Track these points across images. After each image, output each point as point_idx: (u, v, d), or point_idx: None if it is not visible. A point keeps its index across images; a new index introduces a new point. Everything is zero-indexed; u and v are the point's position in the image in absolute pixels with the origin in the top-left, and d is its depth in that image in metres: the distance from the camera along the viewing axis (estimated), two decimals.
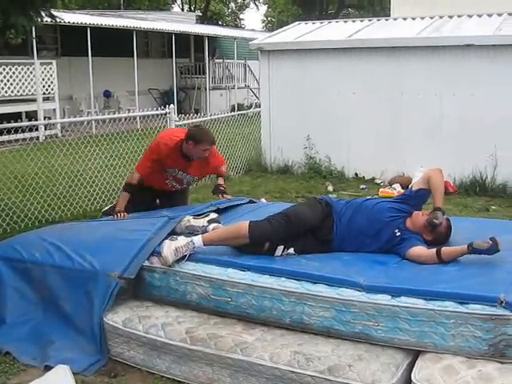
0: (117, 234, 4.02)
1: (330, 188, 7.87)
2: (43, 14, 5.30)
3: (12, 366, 3.36)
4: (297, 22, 10.20)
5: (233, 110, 18.10)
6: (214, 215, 4.05)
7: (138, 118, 12.96)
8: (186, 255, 3.56)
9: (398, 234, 3.69)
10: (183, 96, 20.35)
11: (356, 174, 8.53)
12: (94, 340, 3.46)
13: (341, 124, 8.40)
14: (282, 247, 3.59)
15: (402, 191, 7.57)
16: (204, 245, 3.62)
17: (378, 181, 8.25)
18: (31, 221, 6.04)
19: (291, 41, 8.64)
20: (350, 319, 3.01)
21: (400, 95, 8.02)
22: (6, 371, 3.32)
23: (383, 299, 2.96)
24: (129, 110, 16.33)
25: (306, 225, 3.71)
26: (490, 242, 3.25)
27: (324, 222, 3.76)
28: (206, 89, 19.56)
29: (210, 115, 10.49)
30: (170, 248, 3.55)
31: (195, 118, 8.73)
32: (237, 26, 39.88)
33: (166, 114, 7.29)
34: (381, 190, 7.69)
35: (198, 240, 3.63)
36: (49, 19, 5.52)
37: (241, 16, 45.85)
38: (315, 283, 3.15)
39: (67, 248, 3.85)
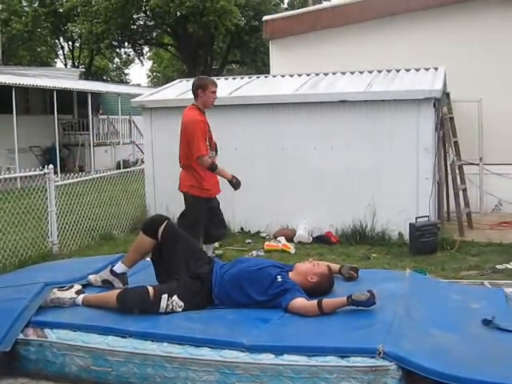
0: None
1: (216, 244, 7.84)
2: None
3: None
4: (178, 80, 10.30)
5: (118, 166, 17.87)
6: (78, 286, 3.93)
7: (18, 177, 12.44)
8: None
9: (280, 279, 3.75)
10: (67, 153, 19.84)
11: (242, 229, 8.58)
12: None
13: (223, 180, 8.44)
14: (166, 295, 3.60)
15: (287, 244, 7.74)
16: (82, 304, 3.75)
17: (263, 234, 8.34)
18: None
19: (173, 98, 8.68)
20: (235, 381, 2.97)
21: (281, 150, 8.22)
22: None
23: (267, 358, 2.95)
24: (8, 169, 15.71)
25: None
26: (368, 295, 3.36)
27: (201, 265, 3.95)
28: (90, 145, 19.18)
29: (96, 173, 10.26)
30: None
31: (78, 176, 8.48)
32: (122, 81, 39.79)
33: (44, 175, 7.04)
34: (266, 243, 7.77)
35: (79, 299, 3.77)
36: None
37: (126, 71, 45.82)
38: (199, 347, 3.09)
39: None
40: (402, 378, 2.80)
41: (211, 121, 8.30)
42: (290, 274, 3.95)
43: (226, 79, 10.04)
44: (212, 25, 23.40)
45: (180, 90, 9.15)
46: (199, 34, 24.78)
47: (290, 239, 7.98)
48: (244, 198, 8.33)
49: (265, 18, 11.04)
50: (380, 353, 2.81)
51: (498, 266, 6.53)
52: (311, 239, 8.08)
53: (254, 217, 8.40)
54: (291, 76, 9.37)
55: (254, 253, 7.28)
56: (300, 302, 3.59)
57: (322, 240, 8.01)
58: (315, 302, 3.50)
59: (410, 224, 7.38)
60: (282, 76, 9.52)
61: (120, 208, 8.92)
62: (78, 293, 3.86)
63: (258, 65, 28.95)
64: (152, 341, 3.18)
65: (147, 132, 8.96)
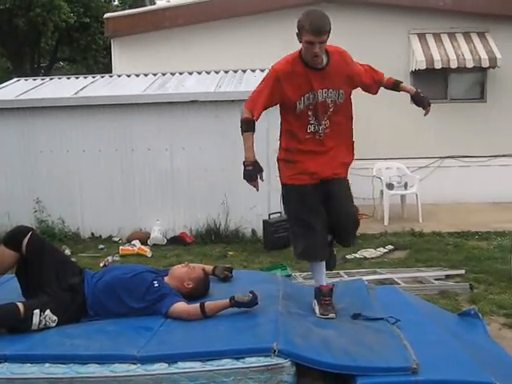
0: None
1: (67, 251, 7.49)
2: None
3: None
4: (15, 79, 9.67)
5: None
6: None
7: None
8: None
9: (157, 284, 3.67)
10: None
11: (92, 234, 8.28)
12: None
13: (72, 183, 8.12)
14: (37, 311, 3.34)
15: (143, 247, 7.59)
16: None
17: (115, 239, 8.12)
18: None
19: (12, 99, 8.13)
20: None
21: (131, 151, 8.05)
22: None
23: (160, 368, 2.86)
24: None
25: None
26: (250, 296, 3.39)
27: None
28: None
29: None
30: None
31: None
32: None
33: None
34: (121, 247, 7.58)
35: None
36: None
37: None
38: (85, 364, 2.92)
39: None
40: (295, 374, 2.86)
41: (53, 124, 7.96)
42: (166, 278, 3.88)
43: (68, 78, 9.60)
44: (40, 20, 22.17)
45: (19, 89, 8.62)
46: (25, 30, 23.37)
47: (144, 242, 7.85)
48: (93, 201, 8.09)
49: (106, 15, 10.72)
50: (275, 351, 2.85)
51: (347, 256, 6.94)
52: (166, 241, 8.02)
53: (105, 221, 8.17)
54: (137, 76, 9.22)
55: (110, 258, 7.06)
56: (181, 306, 3.53)
57: (177, 241, 8.00)
58: (197, 305, 3.46)
59: (264, 221, 7.59)
60: (128, 76, 9.33)
61: None
62: None
63: (90, 63, 27.97)
64: (31, 363, 2.94)
65: None
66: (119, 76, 9.46)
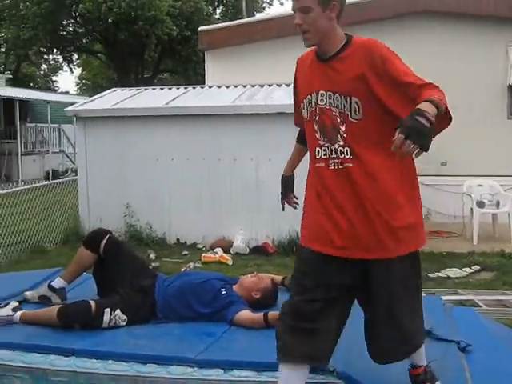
0: None
1: (152, 256, 7.75)
2: None
3: None
4: (113, 89, 10.14)
5: (47, 175, 17.39)
6: (14, 303, 3.78)
7: None
8: None
9: (224, 292, 3.74)
10: None
11: (178, 240, 8.51)
12: None
13: (161, 190, 8.39)
14: (108, 309, 3.52)
15: (225, 255, 7.72)
16: (20, 321, 3.56)
17: (199, 246, 8.29)
18: None
19: (108, 108, 8.53)
20: None
21: (217, 161, 8.22)
22: None
23: (216, 374, 2.92)
24: None
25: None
26: None
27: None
28: (17, 154, 18.56)
29: (24, 183, 9.93)
30: None
31: (5, 186, 8.20)
32: (50, 89, 38.75)
33: None
34: (203, 254, 7.73)
35: (16, 316, 3.59)
36: None
37: (54, 78, 44.67)
38: (145, 364, 3.02)
39: None
40: None
41: (144, 133, 8.28)
42: (235, 287, 3.94)
43: (161, 89, 9.95)
44: (143, 33, 23.17)
45: (115, 99, 9.01)
46: (130, 42, 24.47)
47: (226, 250, 7.97)
48: (180, 208, 8.30)
49: (200, 28, 11.04)
50: (331, 369, 2.82)
51: (429, 275, 6.74)
52: (248, 250, 8.09)
53: (191, 228, 8.35)
54: (227, 87, 9.40)
55: (192, 264, 7.22)
56: (246, 314, 3.58)
57: (258, 251, 8.05)
58: (261, 314, 3.51)
59: None
60: (218, 87, 9.54)
61: (51, 220, 8.66)
62: (15, 310, 3.71)
63: (190, 74, 28.90)
64: (96, 359, 3.09)
65: (80, 142, 8.77)
66: (210, 87, 9.71)
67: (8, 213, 8.07)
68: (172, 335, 3.43)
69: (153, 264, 7.20)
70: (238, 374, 2.90)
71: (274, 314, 3.51)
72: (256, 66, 10.24)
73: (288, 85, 9.23)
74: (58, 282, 3.99)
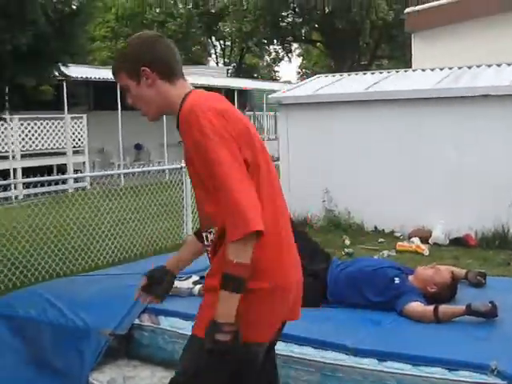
0: (112, 289, 3.99)
1: (347, 242, 7.72)
2: (55, 72, 5.41)
3: None
4: (316, 76, 10.26)
5: None
6: (195, 277, 4.00)
7: (166, 170, 13.11)
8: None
9: (397, 281, 3.61)
10: None
11: (375, 228, 8.37)
12: None
13: (360, 176, 8.30)
14: None
15: (421, 245, 7.42)
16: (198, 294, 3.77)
17: (397, 234, 8.07)
18: (41, 274, 6.05)
19: (309, 94, 8.65)
20: None
21: (417, 147, 7.91)
22: None
23: (369, 363, 2.83)
24: (159, 163, 16.62)
25: None
26: (490, 306, 3.13)
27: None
28: None
29: None
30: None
31: None
32: (272, 79, 40.47)
33: (181, 168, 7.30)
34: (399, 243, 7.51)
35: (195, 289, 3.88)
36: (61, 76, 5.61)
37: (276, 68, 46.57)
38: (301, 345, 3.03)
39: (61, 304, 3.83)
40: None
41: (344, 118, 8.15)
42: (410, 277, 3.79)
43: (364, 73, 9.84)
44: (359, 20, 23.07)
45: (316, 85, 9.11)
46: (346, 30, 24.53)
47: (424, 240, 7.66)
48: (379, 197, 8.15)
49: (407, 10, 10.68)
50: (493, 370, 2.59)
51: None
52: (448, 241, 7.70)
53: (389, 215, 8.14)
54: (432, 70, 8.98)
55: (385, 253, 7.07)
56: (416, 306, 3.42)
57: (459, 242, 7.61)
58: (432, 308, 3.32)
59: None
60: (423, 70, 9.15)
61: None
62: (195, 283, 3.95)
63: (407, 59, 28.12)
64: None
65: (283, 128, 9.02)
66: (414, 71, 9.35)
67: None
68: (337, 320, 3.39)
69: (346, 250, 7.20)
70: (391, 366, 2.79)
71: (445, 308, 3.32)
72: (466, 46, 9.63)
73: (499, 65, 8.56)
74: None
